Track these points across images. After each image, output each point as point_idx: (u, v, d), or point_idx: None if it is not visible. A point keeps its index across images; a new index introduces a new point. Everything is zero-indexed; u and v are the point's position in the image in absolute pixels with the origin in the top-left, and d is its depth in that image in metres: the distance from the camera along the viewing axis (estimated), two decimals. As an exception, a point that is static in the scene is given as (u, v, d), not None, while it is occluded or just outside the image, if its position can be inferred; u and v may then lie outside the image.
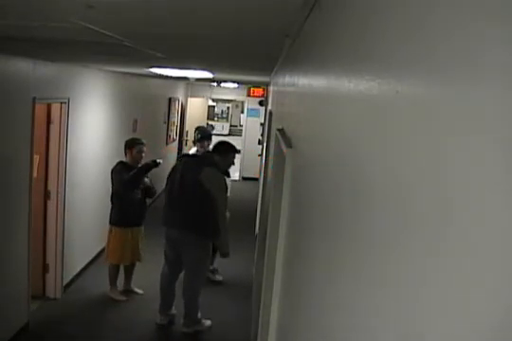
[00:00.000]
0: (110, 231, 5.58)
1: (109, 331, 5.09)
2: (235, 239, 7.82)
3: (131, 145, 5.55)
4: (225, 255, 5.02)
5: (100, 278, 6.09)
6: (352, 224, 0.83)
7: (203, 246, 4.91)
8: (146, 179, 5.49)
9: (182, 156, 5.19)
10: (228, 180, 5.05)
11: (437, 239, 0.46)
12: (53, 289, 5.65)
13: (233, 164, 5.14)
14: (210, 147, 5.52)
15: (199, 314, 5.12)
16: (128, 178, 5.21)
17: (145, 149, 5.61)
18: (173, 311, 5.28)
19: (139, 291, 5.91)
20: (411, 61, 0.59)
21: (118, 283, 5.81)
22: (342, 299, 0.85)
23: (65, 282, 5.85)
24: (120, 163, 5.52)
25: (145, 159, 5.60)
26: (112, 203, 5.53)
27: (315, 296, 1.15)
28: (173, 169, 5.04)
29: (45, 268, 5.60)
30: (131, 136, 6.29)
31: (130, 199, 5.38)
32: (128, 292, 5.88)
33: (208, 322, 5.23)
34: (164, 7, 1.95)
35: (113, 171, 5.44)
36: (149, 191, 5.55)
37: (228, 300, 5.98)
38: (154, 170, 5.53)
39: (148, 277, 5.91)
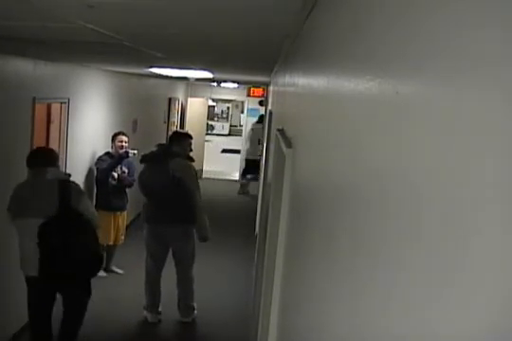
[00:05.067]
0: None
1: (109, 330, 5.09)
2: (235, 238, 7.86)
3: (113, 136, 6.30)
4: (204, 238, 5.06)
5: (100, 277, 6.11)
6: (352, 223, 0.83)
7: (191, 236, 5.07)
8: (118, 172, 6.04)
9: (144, 157, 5.22)
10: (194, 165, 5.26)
11: (438, 239, 0.46)
12: (53, 289, 5.63)
13: (191, 150, 5.29)
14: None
15: (194, 303, 5.29)
16: (103, 167, 5.92)
17: (125, 138, 6.25)
18: (160, 308, 5.30)
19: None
20: (411, 61, 0.59)
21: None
22: (343, 299, 0.85)
23: (65, 282, 5.85)
24: (106, 153, 6.23)
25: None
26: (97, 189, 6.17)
27: (315, 295, 1.15)
28: (141, 172, 5.19)
29: (44, 268, 5.58)
30: (131, 136, 6.62)
31: (106, 186, 6.00)
32: (109, 271, 6.29)
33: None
34: (164, 7, 1.96)
35: (98, 160, 6.15)
36: (122, 182, 6.10)
37: (228, 300, 5.98)
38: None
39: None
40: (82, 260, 3.81)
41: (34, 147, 4.78)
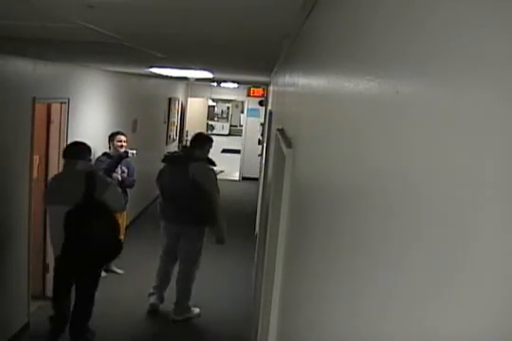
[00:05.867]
0: None
1: (109, 329, 5.09)
2: (235, 238, 7.85)
3: (111, 136, 6.21)
4: (222, 241, 5.24)
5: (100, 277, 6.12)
6: (352, 223, 0.83)
7: (202, 238, 5.24)
8: (118, 174, 5.98)
9: (166, 158, 5.37)
10: (215, 169, 5.35)
11: (437, 239, 0.46)
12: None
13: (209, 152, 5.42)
14: None
15: (190, 303, 5.37)
16: (102, 168, 5.65)
17: (124, 138, 6.16)
18: (164, 294, 5.49)
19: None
20: (411, 61, 0.59)
21: None
22: (343, 299, 0.85)
23: (65, 282, 5.85)
24: (104, 154, 6.12)
25: (145, 158, 5.70)
26: None
27: (315, 295, 1.15)
28: (162, 171, 5.33)
29: (45, 268, 5.59)
30: (131, 136, 6.56)
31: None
32: (108, 271, 6.27)
33: (197, 310, 5.45)
34: (164, 7, 1.96)
35: (96, 160, 5.95)
36: (122, 182, 5.98)
37: (228, 301, 5.99)
38: (150, 169, 5.70)
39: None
40: (98, 246, 4.23)
41: (34, 147, 4.81)
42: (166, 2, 1.89)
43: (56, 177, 4.54)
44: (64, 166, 4.45)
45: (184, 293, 5.30)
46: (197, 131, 6.73)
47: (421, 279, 0.49)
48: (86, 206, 4.18)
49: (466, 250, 0.41)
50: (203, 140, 5.34)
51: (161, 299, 5.50)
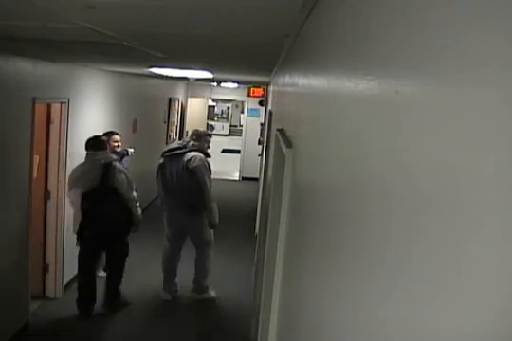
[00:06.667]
0: None
1: (109, 329, 5.09)
2: (235, 238, 7.85)
3: (109, 137, 6.07)
4: (214, 225, 5.56)
5: (101, 277, 6.12)
6: (352, 223, 0.83)
7: (205, 222, 5.54)
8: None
9: (165, 151, 5.68)
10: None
11: (438, 238, 0.46)
12: (53, 289, 5.65)
13: (209, 147, 5.76)
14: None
15: (207, 282, 5.79)
16: None
17: (119, 138, 6.18)
18: (176, 287, 5.81)
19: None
20: (411, 61, 0.59)
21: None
22: (343, 299, 0.85)
23: (65, 282, 5.85)
24: None
25: (145, 158, 5.71)
26: None
27: (315, 295, 1.15)
28: (161, 165, 5.59)
29: (44, 268, 5.59)
30: (131, 136, 6.56)
31: None
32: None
33: (213, 292, 5.87)
34: (164, 7, 1.96)
35: None
36: None
37: (228, 300, 5.98)
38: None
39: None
40: (109, 222, 5.01)
41: (34, 147, 4.81)
42: (166, 2, 1.89)
43: (78, 166, 5.17)
44: (86, 156, 5.10)
45: (202, 272, 5.70)
46: None
47: (421, 279, 0.49)
48: (100, 190, 4.93)
49: (466, 250, 0.41)
50: (198, 134, 5.69)
51: (173, 292, 5.76)
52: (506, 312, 0.35)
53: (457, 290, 0.42)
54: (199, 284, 5.79)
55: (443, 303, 0.44)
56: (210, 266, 5.79)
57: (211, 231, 5.68)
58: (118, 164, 5.12)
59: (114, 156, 5.30)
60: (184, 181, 5.37)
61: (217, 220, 5.54)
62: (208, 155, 5.60)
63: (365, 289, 0.71)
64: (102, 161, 4.99)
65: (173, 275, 5.76)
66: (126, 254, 5.38)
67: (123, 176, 5.05)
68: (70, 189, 5.11)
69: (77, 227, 5.07)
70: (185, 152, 5.43)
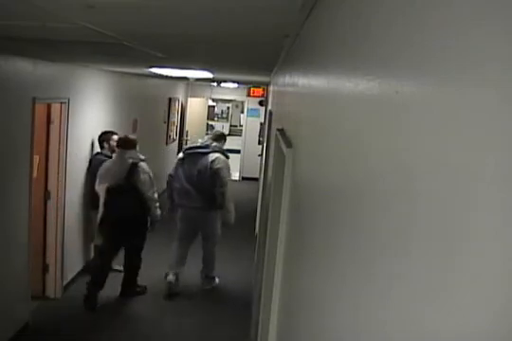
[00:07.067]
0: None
1: (109, 329, 5.10)
2: (235, 238, 7.85)
3: (105, 136, 6.21)
4: (229, 223, 5.99)
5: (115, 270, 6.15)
6: (353, 223, 0.83)
7: (218, 219, 5.99)
8: None
9: (188, 149, 6.03)
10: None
11: (437, 238, 0.46)
12: (53, 289, 5.65)
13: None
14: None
15: (214, 273, 6.26)
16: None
17: (116, 137, 6.21)
18: (178, 270, 6.08)
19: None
20: (410, 61, 0.59)
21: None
22: (343, 299, 0.85)
23: (65, 282, 5.85)
24: (99, 153, 6.15)
25: (146, 159, 5.74)
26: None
27: (315, 295, 1.15)
28: (182, 159, 5.90)
29: (44, 268, 5.59)
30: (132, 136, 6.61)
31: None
32: (111, 270, 6.33)
33: (217, 279, 6.33)
34: (164, 7, 1.96)
35: (102, 163, 5.88)
36: None
37: (228, 301, 5.98)
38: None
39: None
40: (127, 215, 5.36)
41: (34, 147, 4.81)
42: (166, 2, 1.89)
43: (108, 162, 5.62)
44: (117, 154, 5.55)
45: (211, 266, 6.16)
46: (197, 131, 7.03)
47: (421, 279, 0.49)
48: (123, 186, 5.35)
49: (466, 250, 0.41)
50: (219, 135, 6.18)
51: (177, 278, 5.95)
52: (506, 312, 0.35)
53: (457, 290, 0.42)
54: (208, 277, 6.18)
55: (443, 303, 0.44)
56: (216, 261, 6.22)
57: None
58: (143, 164, 5.46)
59: (141, 156, 5.57)
60: (205, 179, 5.71)
61: (233, 219, 5.96)
62: (227, 156, 5.98)
63: (365, 289, 0.71)
64: (130, 160, 5.37)
65: (181, 265, 6.04)
66: (141, 249, 5.69)
67: (147, 177, 5.40)
68: (99, 184, 5.52)
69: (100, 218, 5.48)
70: (208, 153, 5.79)
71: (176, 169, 5.91)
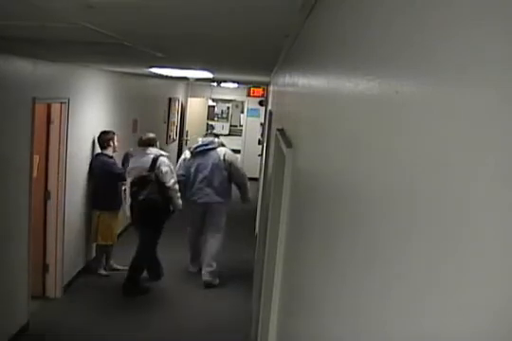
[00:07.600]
0: (98, 216, 6.22)
1: (109, 330, 5.09)
2: (235, 238, 7.85)
3: (111, 137, 6.33)
4: (247, 200, 6.66)
5: (101, 277, 6.12)
6: (352, 223, 0.83)
7: (226, 211, 6.49)
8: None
9: (196, 148, 6.41)
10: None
11: (437, 238, 0.46)
12: (53, 289, 5.65)
13: None
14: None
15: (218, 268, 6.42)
16: (122, 171, 6.20)
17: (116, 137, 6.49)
18: (200, 263, 6.49)
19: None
20: (410, 61, 0.59)
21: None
22: (343, 299, 0.85)
23: (65, 282, 5.85)
24: (105, 155, 6.22)
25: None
26: (97, 190, 6.29)
27: (315, 295, 1.15)
28: (192, 156, 6.33)
29: (45, 268, 5.59)
30: (131, 136, 6.58)
31: (117, 187, 6.27)
32: (109, 269, 6.42)
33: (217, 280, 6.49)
34: (164, 7, 1.96)
35: (105, 164, 6.15)
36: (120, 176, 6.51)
37: (228, 300, 5.98)
38: None
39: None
40: (150, 204, 5.79)
41: (34, 147, 4.81)
42: (166, 2, 1.89)
43: (133, 159, 6.05)
44: (138, 151, 6.03)
45: (215, 258, 6.33)
46: (197, 131, 7.24)
47: (421, 279, 0.49)
48: (147, 178, 5.82)
49: (466, 250, 0.41)
50: (215, 133, 6.76)
51: (199, 265, 6.48)
52: (506, 312, 0.35)
53: (457, 290, 0.42)
54: (214, 269, 6.34)
55: (443, 303, 0.44)
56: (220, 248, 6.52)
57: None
58: (164, 158, 5.95)
59: (162, 152, 6.07)
60: (219, 171, 6.24)
61: (249, 195, 6.61)
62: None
63: (365, 289, 0.71)
64: (152, 155, 5.90)
65: (197, 254, 6.52)
66: (154, 244, 6.03)
67: (167, 168, 5.89)
68: (126, 179, 6.07)
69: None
70: (215, 148, 6.34)
71: (186, 167, 6.31)
